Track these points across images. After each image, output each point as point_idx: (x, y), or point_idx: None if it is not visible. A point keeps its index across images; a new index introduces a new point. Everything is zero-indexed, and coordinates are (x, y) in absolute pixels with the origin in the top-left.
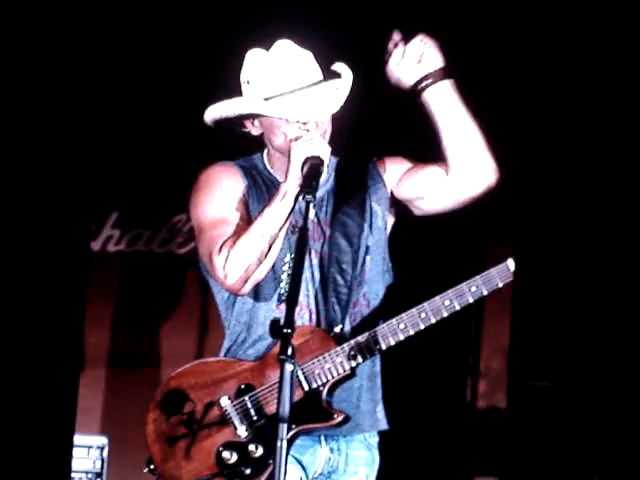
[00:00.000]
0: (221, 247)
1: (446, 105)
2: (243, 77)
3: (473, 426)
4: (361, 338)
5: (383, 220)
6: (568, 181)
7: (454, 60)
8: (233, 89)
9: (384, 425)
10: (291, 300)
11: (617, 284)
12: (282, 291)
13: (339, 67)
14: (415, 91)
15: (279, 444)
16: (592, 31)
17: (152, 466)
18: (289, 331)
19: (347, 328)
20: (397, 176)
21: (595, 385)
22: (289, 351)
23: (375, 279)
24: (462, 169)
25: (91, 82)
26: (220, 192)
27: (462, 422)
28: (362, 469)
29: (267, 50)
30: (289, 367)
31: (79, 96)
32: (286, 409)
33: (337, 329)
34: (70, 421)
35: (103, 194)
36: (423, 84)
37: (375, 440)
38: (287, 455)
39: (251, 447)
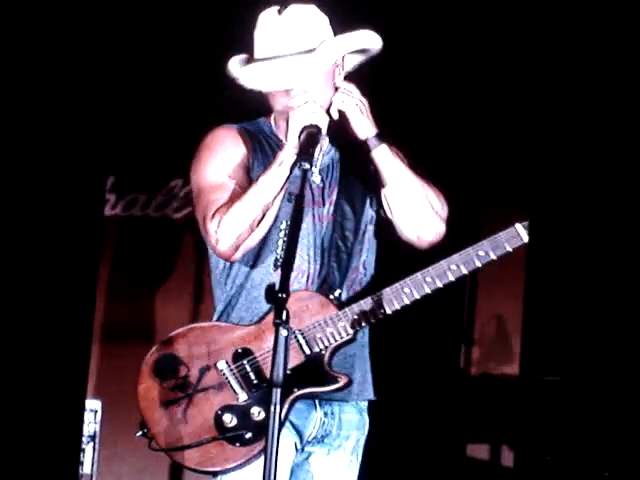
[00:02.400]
0: (214, 213)
1: (388, 168)
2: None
3: (466, 393)
4: (365, 302)
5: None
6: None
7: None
8: (242, 49)
9: (370, 395)
10: (286, 266)
11: (631, 281)
12: (278, 257)
13: (322, 37)
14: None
15: (272, 409)
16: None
17: (145, 430)
18: (284, 296)
19: (345, 294)
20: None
21: (607, 380)
22: (284, 316)
23: (374, 249)
24: (407, 231)
25: (90, 48)
26: (222, 156)
27: (455, 389)
28: (354, 433)
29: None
30: (283, 332)
31: (76, 62)
32: (280, 374)
33: (335, 293)
34: (81, 385)
35: (99, 158)
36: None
37: (365, 404)
38: (287, 418)
39: (253, 410)
